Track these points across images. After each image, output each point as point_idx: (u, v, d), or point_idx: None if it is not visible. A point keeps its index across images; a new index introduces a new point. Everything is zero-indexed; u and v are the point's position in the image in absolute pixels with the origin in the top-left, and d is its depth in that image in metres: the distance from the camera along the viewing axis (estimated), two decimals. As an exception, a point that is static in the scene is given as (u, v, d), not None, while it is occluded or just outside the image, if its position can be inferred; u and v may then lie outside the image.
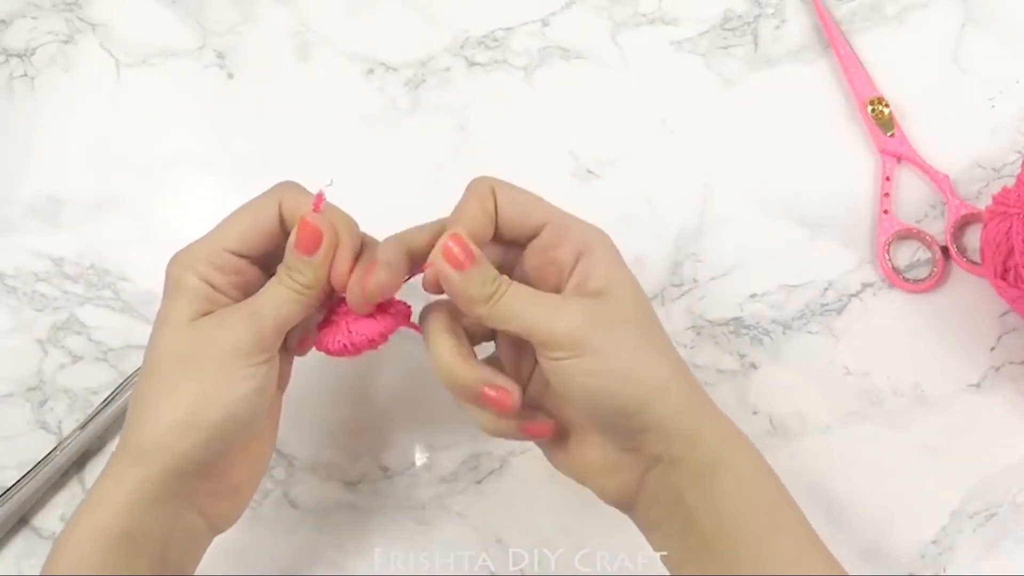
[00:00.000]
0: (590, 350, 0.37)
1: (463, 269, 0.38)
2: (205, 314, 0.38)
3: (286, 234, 0.40)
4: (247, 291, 0.40)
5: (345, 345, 0.40)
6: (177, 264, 0.39)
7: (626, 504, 0.41)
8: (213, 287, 0.39)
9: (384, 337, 0.41)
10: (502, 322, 0.38)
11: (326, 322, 0.41)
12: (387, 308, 0.41)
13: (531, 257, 0.41)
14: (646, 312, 0.39)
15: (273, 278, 0.40)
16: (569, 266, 0.39)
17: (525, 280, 0.40)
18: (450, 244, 0.38)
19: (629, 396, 0.37)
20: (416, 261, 0.40)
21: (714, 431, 0.38)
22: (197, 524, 0.39)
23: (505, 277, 0.39)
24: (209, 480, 0.38)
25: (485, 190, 0.40)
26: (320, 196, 0.39)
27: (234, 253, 0.39)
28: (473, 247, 0.38)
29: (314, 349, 0.42)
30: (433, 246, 0.39)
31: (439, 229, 0.40)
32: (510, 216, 0.40)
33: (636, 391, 0.37)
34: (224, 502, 0.40)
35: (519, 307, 0.38)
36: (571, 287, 0.39)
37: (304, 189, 0.41)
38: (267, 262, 0.41)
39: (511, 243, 0.41)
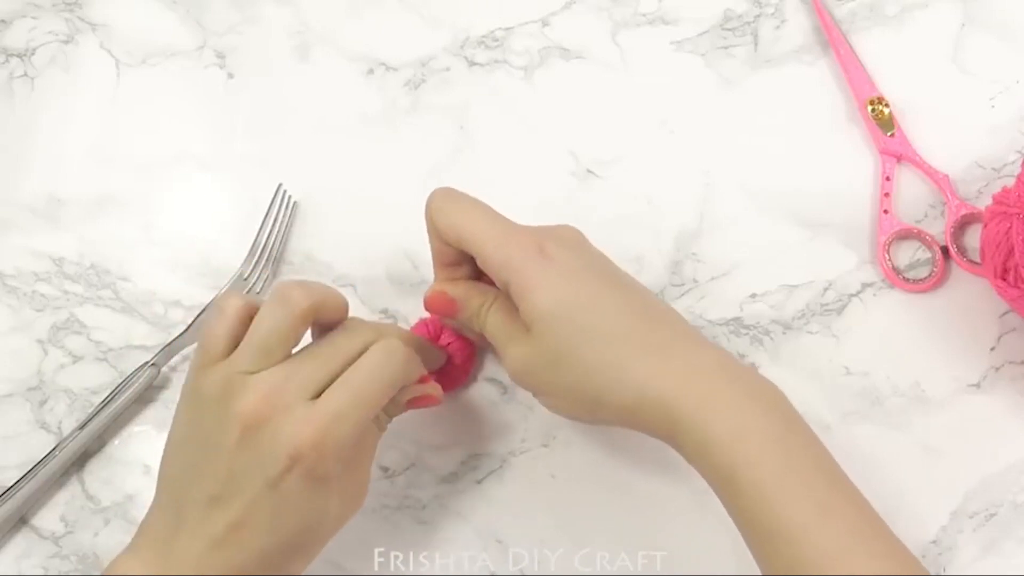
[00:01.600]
0: (530, 390, 0.43)
1: (453, 317, 0.45)
2: None
3: None
4: None
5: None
6: (337, 459, 0.38)
7: None
8: None
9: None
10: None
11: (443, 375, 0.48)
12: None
13: None
14: (564, 332, 0.40)
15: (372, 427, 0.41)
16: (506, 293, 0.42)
17: None
18: (430, 302, 0.45)
19: (578, 416, 0.43)
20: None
21: (660, 416, 0.38)
22: None
23: (486, 304, 0.44)
24: None
25: (429, 223, 0.44)
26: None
27: None
28: (447, 295, 0.44)
29: None
30: (441, 249, 0.45)
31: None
32: (451, 243, 0.43)
33: (579, 412, 0.42)
34: None
35: (492, 341, 0.44)
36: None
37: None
38: None
39: None
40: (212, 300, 0.51)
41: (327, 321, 0.41)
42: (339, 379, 0.38)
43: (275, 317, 0.39)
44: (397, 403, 0.42)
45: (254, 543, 0.37)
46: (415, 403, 0.43)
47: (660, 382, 0.39)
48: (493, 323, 0.43)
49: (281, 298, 0.39)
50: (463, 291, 0.45)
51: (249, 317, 0.40)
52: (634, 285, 0.43)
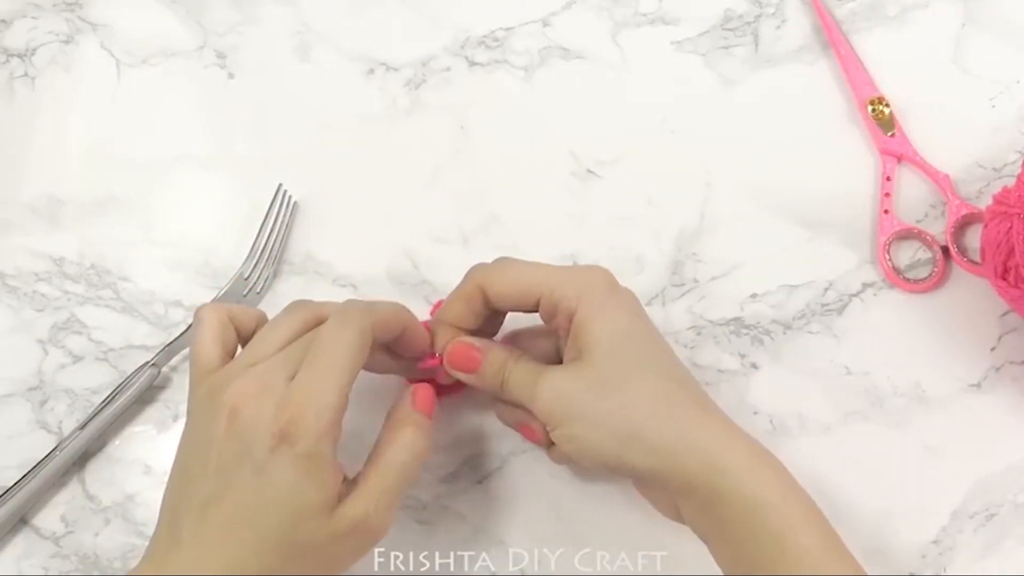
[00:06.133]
0: (560, 423, 0.41)
1: (473, 373, 0.43)
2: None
3: None
4: None
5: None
6: (320, 432, 0.36)
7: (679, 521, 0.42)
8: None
9: None
10: (513, 400, 0.43)
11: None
12: None
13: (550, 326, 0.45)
14: (621, 359, 0.41)
15: (395, 449, 0.40)
16: (565, 332, 0.43)
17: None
18: (453, 355, 0.44)
19: (605, 454, 0.40)
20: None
21: (702, 462, 0.38)
22: None
23: (512, 357, 0.43)
24: None
25: (472, 288, 0.44)
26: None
27: None
28: (475, 348, 0.43)
29: None
30: (465, 314, 0.44)
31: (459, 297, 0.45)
32: (505, 303, 0.44)
33: (608, 448, 0.40)
34: None
35: (517, 390, 0.43)
36: (566, 355, 0.43)
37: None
38: None
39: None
40: (212, 301, 0.51)
41: (390, 337, 0.42)
42: (308, 355, 0.38)
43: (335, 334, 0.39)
44: (400, 407, 0.42)
45: (250, 538, 0.36)
46: (414, 397, 0.42)
47: (707, 431, 0.39)
48: (520, 373, 0.43)
49: (342, 317, 0.40)
50: (485, 345, 0.44)
51: (229, 322, 0.41)
52: None
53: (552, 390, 0.41)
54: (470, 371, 0.44)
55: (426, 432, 0.41)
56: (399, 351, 0.44)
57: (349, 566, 0.39)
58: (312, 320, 0.41)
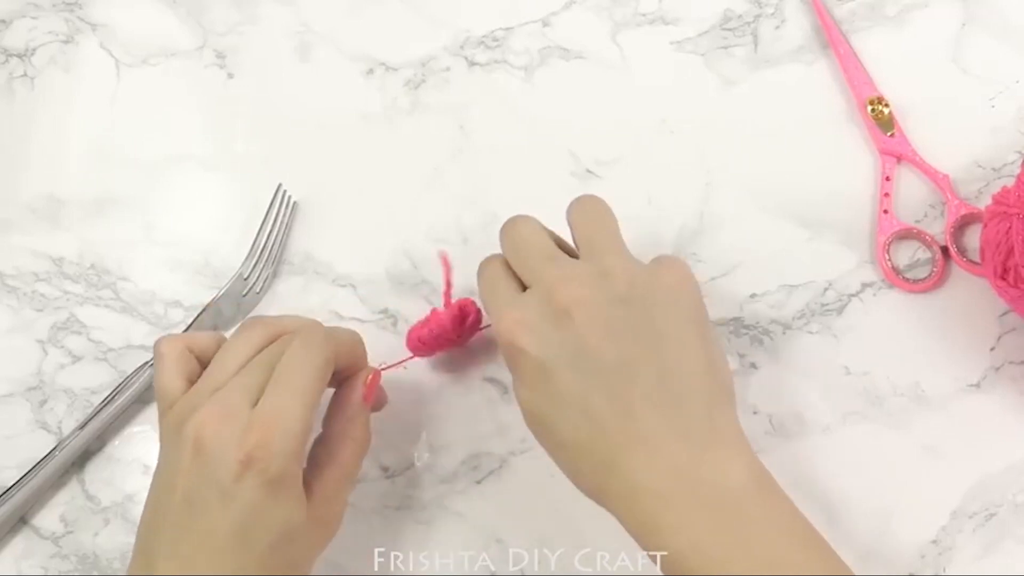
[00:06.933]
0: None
1: None
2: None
3: None
4: None
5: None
6: (288, 455, 0.37)
7: None
8: None
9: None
10: None
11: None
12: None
13: None
14: (537, 431, 0.41)
15: (348, 443, 0.42)
16: None
17: None
18: None
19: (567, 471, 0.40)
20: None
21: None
22: None
23: None
24: None
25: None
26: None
27: None
28: None
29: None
30: None
31: None
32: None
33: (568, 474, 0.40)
34: None
35: None
36: None
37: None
38: None
39: None
40: (211, 301, 0.51)
41: (344, 366, 0.43)
42: (271, 379, 0.39)
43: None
44: (351, 403, 0.42)
45: (222, 565, 0.36)
46: (366, 389, 0.43)
47: (609, 499, 0.39)
48: None
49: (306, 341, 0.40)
50: None
51: (187, 350, 0.41)
52: (623, 357, 0.38)
53: (521, 407, 0.41)
54: None
55: (368, 425, 0.43)
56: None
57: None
58: (268, 337, 0.41)
